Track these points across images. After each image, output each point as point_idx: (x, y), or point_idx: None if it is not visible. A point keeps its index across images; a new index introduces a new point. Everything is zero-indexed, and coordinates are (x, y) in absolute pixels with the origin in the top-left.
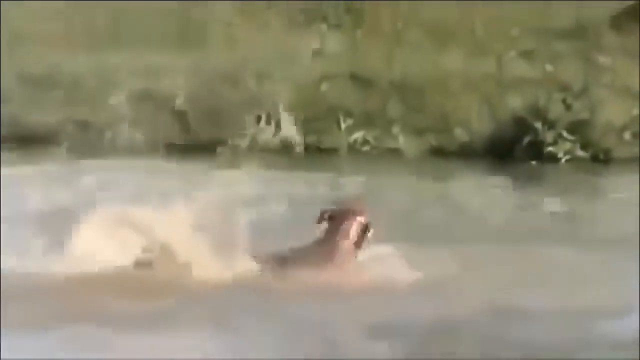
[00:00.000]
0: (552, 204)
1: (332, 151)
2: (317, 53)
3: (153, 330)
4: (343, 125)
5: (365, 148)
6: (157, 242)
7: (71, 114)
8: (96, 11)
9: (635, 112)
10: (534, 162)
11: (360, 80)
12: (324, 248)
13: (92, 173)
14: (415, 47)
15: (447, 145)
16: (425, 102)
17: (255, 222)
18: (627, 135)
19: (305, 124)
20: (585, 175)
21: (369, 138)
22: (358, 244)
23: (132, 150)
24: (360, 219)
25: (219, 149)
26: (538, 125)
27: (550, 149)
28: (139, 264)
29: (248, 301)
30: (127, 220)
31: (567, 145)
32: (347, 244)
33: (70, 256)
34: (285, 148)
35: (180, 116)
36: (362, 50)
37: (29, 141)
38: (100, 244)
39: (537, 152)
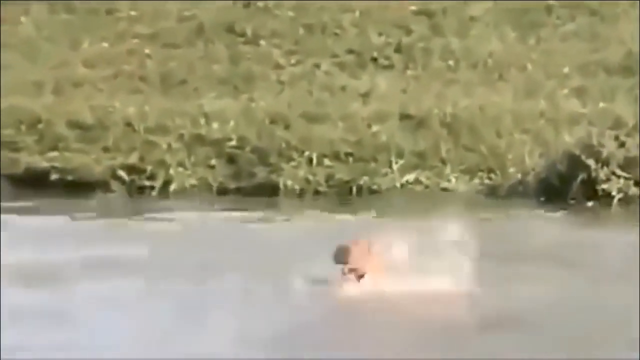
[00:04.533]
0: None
1: (384, 192)
2: (367, 93)
3: None
4: (395, 166)
5: (418, 188)
6: None
7: (122, 159)
8: (146, 56)
9: None
10: (587, 200)
11: (411, 120)
12: None
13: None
14: (466, 86)
15: (500, 184)
16: (477, 141)
17: None
18: None
19: (357, 166)
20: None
21: (421, 178)
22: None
23: (184, 195)
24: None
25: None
26: (591, 162)
27: (603, 186)
28: None
29: None
30: None
31: (621, 183)
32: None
33: None
34: (339, 190)
35: (233, 159)
36: (412, 89)
37: (79, 187)
38: None
39: (591, 190)
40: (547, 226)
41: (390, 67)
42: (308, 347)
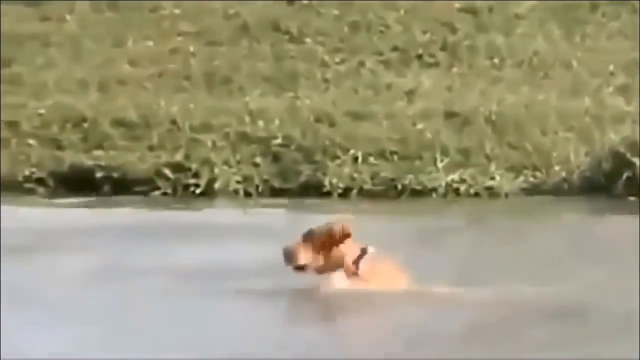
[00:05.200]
0: None
1: (429, 191)
2: (412, 91)
3: None
4: (440, 165)
5: (463, 187)
6: None
7: (167, 157)
8: (191, 54)
9: None
10: (632, 198)
11: (456, 118)
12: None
13: None
14: (511, 84)
15: (545, 182)
16: (522, 139)
17: None
18: None
19: (402, 164)
20: None
21: (466, 176)
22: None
23: (228, 193)
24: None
25: None
26: (636, 160)
27: None
28: None
29: None
30: None
31: None
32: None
33: None
34: (385, 189)
35: (277, 157)
36: (457, 87)
37: (123, 185)
38: None
39: (636, 187)
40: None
41: (435, 65)
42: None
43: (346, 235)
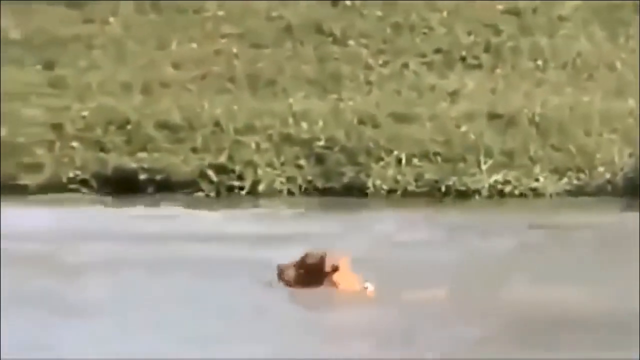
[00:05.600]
0: None
1: (473, 193)
2: (455, 93)
3: None
4: (483, 166)
5: (507, 188)
6: None
7: (211, 159)
8: (234, 56)
9: None
10: None
11: (500, 120)
12: None
13: None
14: (555, 85)
15: (589, 184)
16: (566, 140)
17: None
18: None
19: (446, 165)
20: None
21: (510, 178)
22: None
23: (272, 194)
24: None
25: None
26: None
27: None
28: None
29: None
30: None
31: None
32: None
33: None
34: (429, 191)
35: (321, 159)
36: (501, 89)
37: (167, 187)
38: None
39: None
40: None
41: (478, 66)
42: None
43: (334, 269)
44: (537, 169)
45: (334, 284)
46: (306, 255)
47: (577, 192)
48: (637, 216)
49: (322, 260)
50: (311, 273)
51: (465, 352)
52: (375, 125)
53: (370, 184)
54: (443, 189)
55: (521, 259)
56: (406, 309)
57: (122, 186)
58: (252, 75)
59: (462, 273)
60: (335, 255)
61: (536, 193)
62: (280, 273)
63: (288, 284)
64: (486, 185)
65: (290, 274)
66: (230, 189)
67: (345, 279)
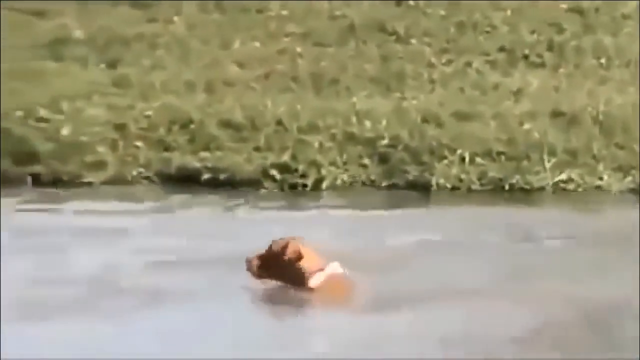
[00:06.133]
0: None
1: (537, 190)
2: (519, 91)
3: None
4: (547, 165)
5: (570, 187)
6: None
7: (274, 158)
8: (298, 55)
9: None
10: None
11: (563, 118)
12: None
13: None
14: (618, 84)
15: None
16: (629, 139)
17: None
18: None
19: (509, 164)
20: None
21: (573, 176)
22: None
23: (335, 192)
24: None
25: None
26: None
27: None
28: None
29: None
30: None
31: None
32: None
33: None
34: (493, 189)
35: (385, 158)
36: (564, 87)
37: (230, 186)
38: None
39: None
40: None
41: (542, 65)
42: None
43: (297, 257)
44: (600, 167)
45: (298, 272)
46: (271, 244)
47: None
48: None
49: (284, 248)
50: (274, 262)
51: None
52: (439, 124)
53: (433, 182)
54: (507, 187)
55: (583, 255)
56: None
57: (185, 185)
58: (316, 74)
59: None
60: (299, 242)
61: (600, 191)
62: (248, 264)
63: (254, 274)
64: (550, 183)
65: (256, 264)
66: (293, 187)
67: (310, 264)
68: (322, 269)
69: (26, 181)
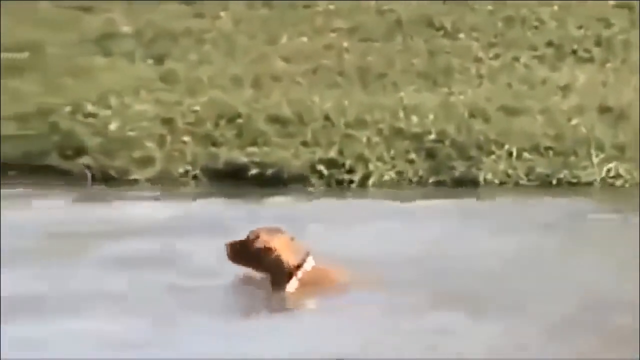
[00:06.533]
0: None
1: (585, 186)
2: (567, 86)
3: None
4: (595, 160)
5: (618, 182)
6: None
7: (321, 153)
8: (345, 50)
9: None
10: None
11: (611, 113)
12: None
13: None
14: None
15: None
16: None
17: None
18: None
19: (557, 159)
20: None
21: (621, 171)
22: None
23: (381, 188)
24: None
25: None
26: None
27: None
28: None
29: None
30: None
31: None
32: None
33: None
34: (540, 185)
35: (432, 153)
36: (612, 82)
37: (278, 181)
38: None
39: None
40: None
41: (589, 60)
42: None
43: (266, 248)
44: None
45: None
46: (249, 234)
47: None
48: None
49: (255, 238)
50: (246, 250)
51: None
52: (486, 119)
53: (481, 178)
54: (554, 182)
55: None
56: None
57: (232, 180)
58: (363, 69)
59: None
60: (275, 234)
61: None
62: (226, 248)
63: (229, 258)
64: (598, 179)
65: (231, 249)
66: (340, 182)
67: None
68: (295, 266)
69: (77, 175)
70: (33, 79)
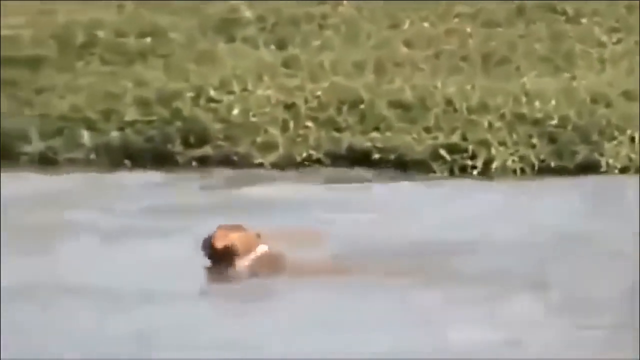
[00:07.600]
0: None
1: None
2: None
3: None
4: None
5: None
6: None
7: (444, 138)
8: (467, 35)
9: None
10: None
11: None
12: None
13: None
14: None
15: None
16: None
17: None
18: None
19: None
20: None
21: None
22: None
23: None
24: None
25: None
26: None
27: None
28: None
29: None
30: None
31: None
32: None
33: None
34: None
35: (554, 138)
36: None
37: (400, 166)
38: None
39: None
40: None
41: None
42: None
43: (224, 248)
44: None
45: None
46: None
47: None
48: None
49: (213, 234)
50: (208, 245)
51: None
52: (608, 104)
53: (603, 163)
54: None
55: None
56: None
57: (355, 165)
58: (485, 54)
59: None
60: (234, 230)
61: None
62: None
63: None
64: None
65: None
66: (463, 168)
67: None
68: (250, 251)
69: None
70: (156, 64)
